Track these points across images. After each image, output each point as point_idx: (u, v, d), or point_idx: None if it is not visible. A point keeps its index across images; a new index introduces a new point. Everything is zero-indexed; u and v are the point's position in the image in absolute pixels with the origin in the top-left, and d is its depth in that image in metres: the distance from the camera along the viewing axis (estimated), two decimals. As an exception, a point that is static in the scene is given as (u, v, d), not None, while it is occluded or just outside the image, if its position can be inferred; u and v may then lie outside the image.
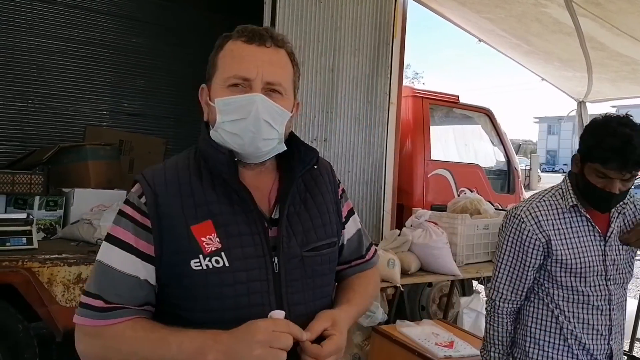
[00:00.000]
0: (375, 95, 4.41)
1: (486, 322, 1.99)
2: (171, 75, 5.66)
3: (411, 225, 3.76)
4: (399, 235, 3.72)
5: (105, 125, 5.39)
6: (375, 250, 1.46)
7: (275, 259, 1.12)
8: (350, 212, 1.36)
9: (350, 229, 1.35)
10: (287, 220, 1.16)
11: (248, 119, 1.10)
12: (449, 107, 5.45)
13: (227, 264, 1.07)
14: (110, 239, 1.11)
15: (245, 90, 1.12)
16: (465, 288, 4.83)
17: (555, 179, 13.67)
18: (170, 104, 5.71)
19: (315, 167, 1.26)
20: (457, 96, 5.40)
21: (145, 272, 1.09)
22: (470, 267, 3.86)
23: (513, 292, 1.90)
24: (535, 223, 1.83)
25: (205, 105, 1.19)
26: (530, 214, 1.85)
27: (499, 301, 1.92)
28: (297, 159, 1.21)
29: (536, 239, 1.82)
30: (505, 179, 5.68)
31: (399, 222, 4.53)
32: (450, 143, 5.51)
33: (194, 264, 1.07)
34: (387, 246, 3.63)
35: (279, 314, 1.05)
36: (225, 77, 1.13)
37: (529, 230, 1.83)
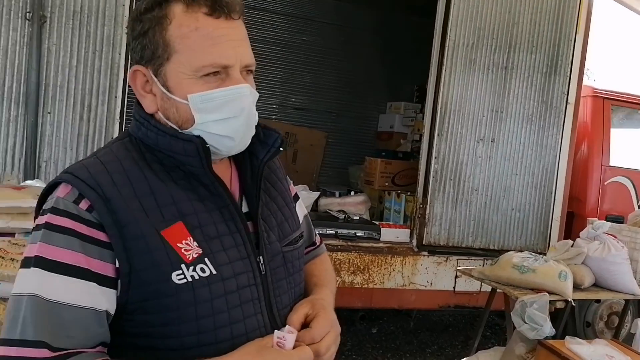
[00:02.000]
0: (551, 95, 4.14)
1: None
2: (336, 72, 5.87)
3: (587, 237, 3.47)
4: (572, 246, 3.46)
5: (274, 118, 5.79)
6: (321, 239, 1.33)
7: (260, 258, 0.97)
8: (296, 197, 1.20)
9: (301, 212, 1.20)
10: (261, 213, 1.01)
11: (240, 117, 0.93)
12: (634, 109, 4.90)
13: (214, 272, 0.89)
14: (42, 262, 0.82)
15: (222, 80, 0.92)
16: (641, 309, 4.34)
17: None
18: (333, 99, 5.93)
19: (282, 149, 1.05)
20: (645, 96, 4.84)
21: (104, 300, 0.84)
22: (654, 288, 3.45)
23: None
24: None
25: (147, 94, 0.95)
26: None
27: None
28: (258, 143, 1.03)
29: None
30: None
31: (568, 232, 4.23)
32: (634, 148, 4.95)
33: (176, 277, 0.85)
34: (557, 257, 3.39)
35: (291, 337, 0.88)
36: (198, 66, 0.90)
37: None
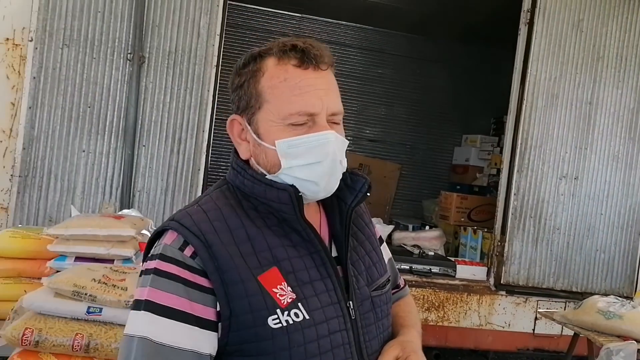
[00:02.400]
0: (639, 131, 3.94)
1: None
2: (410, 104, 5.89)
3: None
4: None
5: (349, 150, 5.85)
6: (405, 281, 1.35)
7: (350, 303, 0.99)
8: (380, 240, 1.22)
9: (385, 255, 1.21)
10: (350, 258, 1.03)
11: (324, 162, 0.96)
12: None
13: (307, 317, 0.92)
14: (151, 306, 0.88)
15: (309, 128, 0.96)
16: None
17: None
18: (407, 131, 5.94)
19: (368, 194, 1.07)
20: None
21: (207, 343, 0.89)
22: None
23: None
24: None
25: (243, 141, 1.02)
26: None
27: None
28: (346, 189, 1.05)
29: None
30: None
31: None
32: None
33: (272, 321, 0.89)
34: (650, 304, 3.18)
35: None
36: (286, 114, 0.95)
37: None
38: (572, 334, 3.02)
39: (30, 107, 3.14)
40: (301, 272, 0.95)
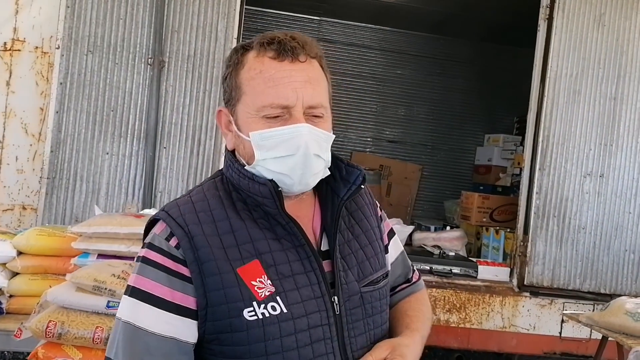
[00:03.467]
0: (667, 127, 3.84)
1: None
2: (430, 104, 5.87)
3: None
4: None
5: (368, 151, 5.86)
6: (420, 275, 1.29)
7: (335, 298, 0.98)
8: (391, 233, 1.20)
9: (393, 252, 1.19)
10: (340, 252, 1.02)
11: (296, 155, 0.95)
12: None
13: (284, 310, 0.92)
14: (135, 292, 0.92)
15: (284, 120, 0.95)
16: None
17: None
18: (428, 132, 5.91)
19: (363, 187, 1.06)
20: None
21: (186, 330, 0.92)
22: None
23: None
24: None
25: (229, 132, 1.03)
26: None
27: None
28: (340, 180, 1.05)
29: None
30: None
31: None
32: None
33: (247, 313, 0.91)
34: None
35: None
36: (259, 106, 0.95)
37: None
38: (601, 337, 2.94)
39: (57, 112, 3.25)
40: (282, 265, 0.95)
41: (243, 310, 0.90)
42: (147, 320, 0.90)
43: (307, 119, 0.96)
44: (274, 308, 0.92)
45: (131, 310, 0.91)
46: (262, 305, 0.91)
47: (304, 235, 0.98)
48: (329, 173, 1.04)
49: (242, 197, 1.00)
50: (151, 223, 1.00)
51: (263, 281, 0.92)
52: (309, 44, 0.98)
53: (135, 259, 0.98)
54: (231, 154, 1.05)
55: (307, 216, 1.04)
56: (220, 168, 1.10)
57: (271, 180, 0.96)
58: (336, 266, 1.00)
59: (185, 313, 0.92)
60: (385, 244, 1.16)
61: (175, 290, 0.91)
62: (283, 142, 0.95)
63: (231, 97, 1.00)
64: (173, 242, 0.93)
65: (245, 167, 1.00)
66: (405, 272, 1.24)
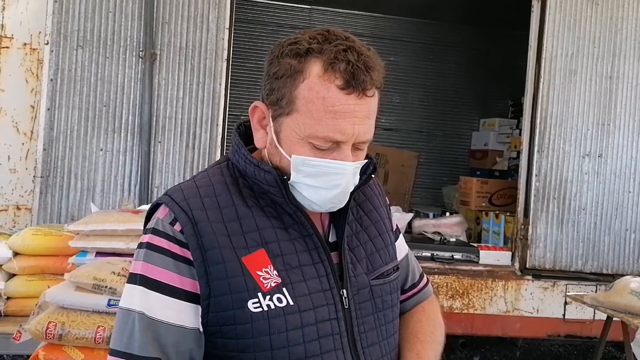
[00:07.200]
0: (665, 104, 3.82)
1: None
2: (425, 90, 5.83)
3: None
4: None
5: (364, 139, 5.81)
6: (428, 280, 1.23)
7: (344, 291, 0.94)
8: (397, 231, 1.15)
9: (401, 249, 1.14)
10: (348, 243, 0.98)
11: (332, 191, 0.91)
12: None
13: (291, 302, 0.88)
14: (146, 281, 0.88)
15: (331, 151, 0.90)
16: None
17: None
18: (423, 118, 5.88)
19: (373, 176, 1.02)
20: None
21: (193, 317, 0.88)
22: None
23: None
24: None
25: (261, 129, 0.96)
26: None
27: None
28: None
29: None
30: None
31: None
32: None
33: (252, 305, 0.87)
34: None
35: None
36: (312, 134, 0.89)
37: None
38: (605, 318, 2.94)
39: (48, 109, 3.19)
40: (290, 255, 0.91)
41: (247, 301, 0.87)
42: (158, 309, 0.86)
43: (352, 149, 0.91)
44: (279, 300, 0.88)
45: (143, 301, 0.87)
46: (268, 297, 0.88)
47: (312, 225, 0.94)
48: None
49: (248, 183, 0.96)
50: (153, 208, 0.96)
51: (269, 271, 0.89)
52: (377, 71, 0.90)
53: (138, 245, 0.94)
54: (239, 137, 1.00)
55: None
56: (225, 154, 1.05)
57: (276, 169, 0.93)
58: (344, 258, 0.96)
59: (192, 299, 0.88)
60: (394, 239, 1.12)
61: (183, 276, 0.88)
62: (324, 175, 0.90)
63: (278, 104, 0.91)
64: (177, 227, 0.90)
65: (252, 154, 0.96)
66: (412, 274, 1.18)
